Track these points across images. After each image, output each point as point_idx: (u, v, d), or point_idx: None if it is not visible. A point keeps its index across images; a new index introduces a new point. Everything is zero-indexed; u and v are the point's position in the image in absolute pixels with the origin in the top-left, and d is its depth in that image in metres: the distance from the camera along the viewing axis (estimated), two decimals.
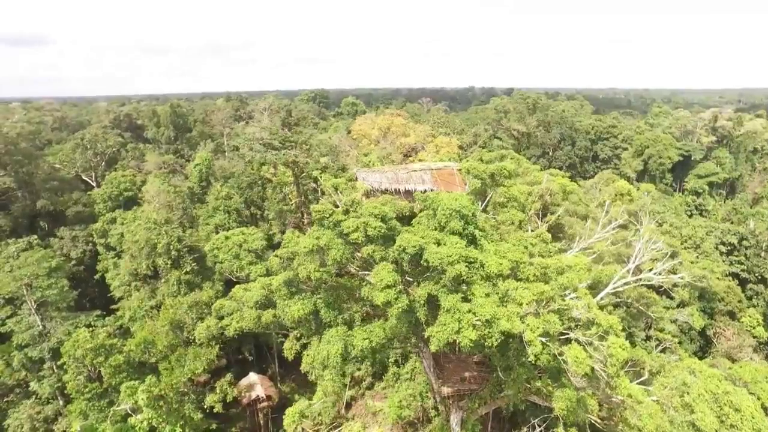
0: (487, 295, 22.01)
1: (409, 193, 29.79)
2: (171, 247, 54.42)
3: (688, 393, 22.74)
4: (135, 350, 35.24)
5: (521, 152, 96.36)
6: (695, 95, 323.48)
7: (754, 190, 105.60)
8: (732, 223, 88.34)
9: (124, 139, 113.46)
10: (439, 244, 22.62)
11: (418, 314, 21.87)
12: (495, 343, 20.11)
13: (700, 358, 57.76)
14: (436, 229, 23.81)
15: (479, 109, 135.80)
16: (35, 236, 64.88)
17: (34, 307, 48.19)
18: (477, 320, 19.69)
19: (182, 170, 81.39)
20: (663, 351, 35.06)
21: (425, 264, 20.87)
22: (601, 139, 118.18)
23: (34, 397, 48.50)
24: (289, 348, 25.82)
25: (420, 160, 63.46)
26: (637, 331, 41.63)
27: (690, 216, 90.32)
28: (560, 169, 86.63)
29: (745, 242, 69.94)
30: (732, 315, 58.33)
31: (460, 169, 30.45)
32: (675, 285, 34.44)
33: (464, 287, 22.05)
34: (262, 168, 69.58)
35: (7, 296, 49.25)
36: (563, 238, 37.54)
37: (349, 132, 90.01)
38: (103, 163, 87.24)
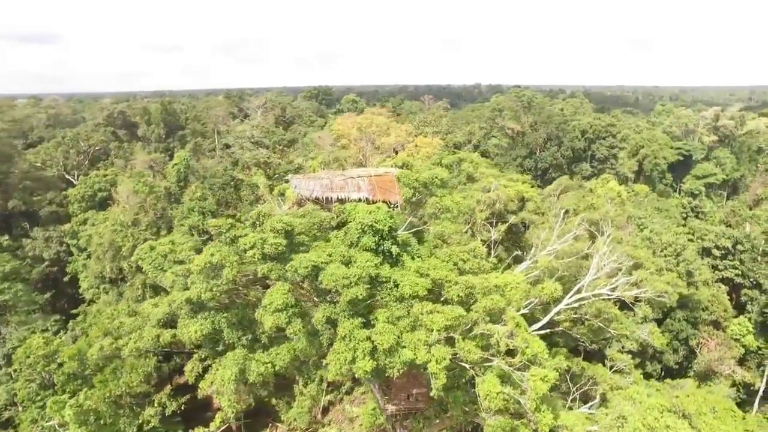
0: (398, 318, 20.22)
1: (342, 202, 27.93)
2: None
3: (623, 426, 20.78)
4: (68, 362, 33.87)
5: (510, 152, 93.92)
6: (705, 93, 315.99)
7: (756, 192, 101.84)
8: (730, 226, 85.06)
9: (118, 137, 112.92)
10: (349, 263, 20.84)
11: (321, 338, 20.09)
12: (397, 374, 18.25)
13: (681, 371, 55.69)
14: (351, 245, 22.01)
15: (475, 107, 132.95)
16: (6, 237, 64.35)
17: None
18: (374, 348, 17.84)
19: (161, 170, 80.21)
20: (619, 371, 32.95)
21: (320, 285, 19.07)
22: (599, 138, 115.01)
23: None
24: (189, 370, 24.28)
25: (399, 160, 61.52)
26: (609, 345, 39.47)
27: (685, 218, 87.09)
28: (545, 170, 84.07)
29: (739, 246, 67.10)
30: (717, 325, 55.79)
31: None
32: (637, 299, 32.29)
33: (373, 309, 20.24)
34: (236, 168, 68.27)
35: None
36: (523, 247, 35.51)
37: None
38: (87, 161, 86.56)
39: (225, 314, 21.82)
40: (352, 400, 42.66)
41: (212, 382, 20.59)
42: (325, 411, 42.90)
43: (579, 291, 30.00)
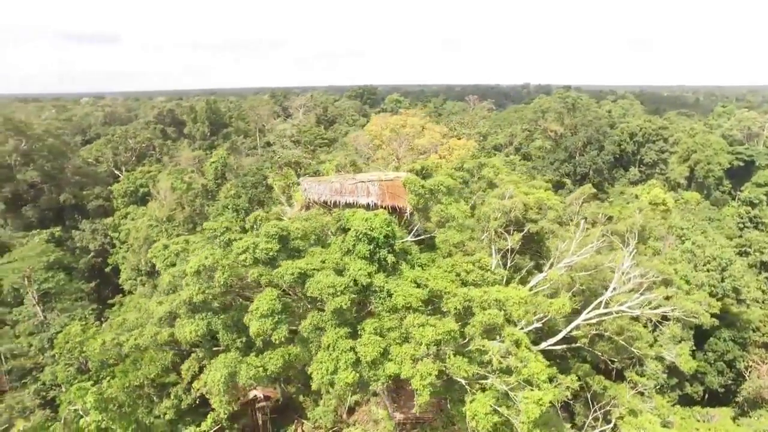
0: (389, 330, 19.70)
1: (350, 206, 27.60)
2: None
3: None
4: (92, 352, 35.33)
5: (549, 155, 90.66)
6: None
7: None
8: None
9: (167, 134, 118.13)
10: (342, 270, 20.53)
11: (310, 346, 19.88)
12: (380, 387, 17.74)
13: (728, 396, 51.60)
14: (348, 252, 21.65)
15: (518, 108, 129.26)
16: (58, 228, 68.53)
17: (36, 298, 50.49)
18: (358, 360, 17.42)
19: (200, 168, 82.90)
20: (641, 393, 30.75)
21: (307, 293, 18.82)
22: (648, 142, 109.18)
23: (39, 382, 51.05)
24: (186, 369, 24.70)
25: (433, 162, 60.65)
26: (633, 364, 37.11)
27: (741, 229, 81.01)
28: (585, 175, 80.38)
29: None
30: None
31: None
32: (665, 318, 30.07)
33: (365, 318, 19.81)
34: (272, 167, 69.51)
35: (15, 287, 52.08)
36: (545, 257, 33.99)
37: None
38: (134, 158, 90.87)
39: (222, 316, 22.02)
40: (379, 402, 42.34)
41: (205, 383, 20.86)
42: (351, 411, 42.81)
43: (598, 306, 28.32)
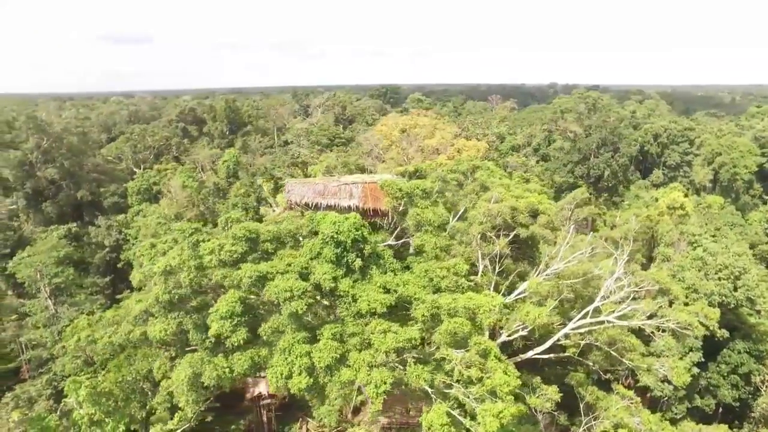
0: (351, 335, 19.45)
1: (332, 209, 27.46)
2: None
3: None
4: (74, 347, 36.14)
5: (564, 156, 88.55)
6: None
7: None
8: None
9: (188, 133, 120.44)
10: (308, 274, 20.37)
11: (273, 349, 19.80)
12: (335, 394, 17.54)
13: (743, 410, 49.24)
14: (317, 256, 21.49)
15: (538, 108, 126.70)
16: (75, 224, 70.62)
17: (48, 292, 52.17)
18: (313, 365, 17.23)
19: (213, 167, 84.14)
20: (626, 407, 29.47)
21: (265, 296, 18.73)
22: (673, 143, 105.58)
23: (51, 373, 52.74)
24: (158, 367, 24.99)
25: (440, 164, 60.08)
26: (626, 375, 35.79)
27: None
28: (599, 178, 78.16)
29: None
30: None
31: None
32: (661, 330, 28.80)
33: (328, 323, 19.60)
34: (282, 166, 70.12)
35: (30, 281, 53.94)
36: (535, 262, 33.10)
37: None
38: (152, 155, 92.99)
39: (194, 316, 22.17)
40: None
41: (172, 383, 21.06)
42: (357, 411, 42.81)
43: (585, 315, 27.38)
